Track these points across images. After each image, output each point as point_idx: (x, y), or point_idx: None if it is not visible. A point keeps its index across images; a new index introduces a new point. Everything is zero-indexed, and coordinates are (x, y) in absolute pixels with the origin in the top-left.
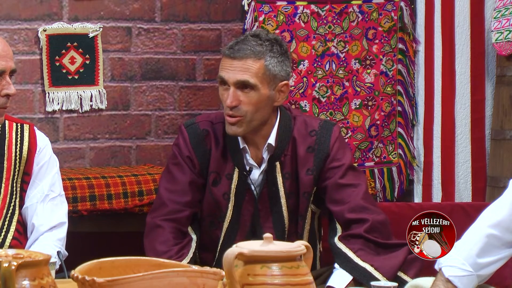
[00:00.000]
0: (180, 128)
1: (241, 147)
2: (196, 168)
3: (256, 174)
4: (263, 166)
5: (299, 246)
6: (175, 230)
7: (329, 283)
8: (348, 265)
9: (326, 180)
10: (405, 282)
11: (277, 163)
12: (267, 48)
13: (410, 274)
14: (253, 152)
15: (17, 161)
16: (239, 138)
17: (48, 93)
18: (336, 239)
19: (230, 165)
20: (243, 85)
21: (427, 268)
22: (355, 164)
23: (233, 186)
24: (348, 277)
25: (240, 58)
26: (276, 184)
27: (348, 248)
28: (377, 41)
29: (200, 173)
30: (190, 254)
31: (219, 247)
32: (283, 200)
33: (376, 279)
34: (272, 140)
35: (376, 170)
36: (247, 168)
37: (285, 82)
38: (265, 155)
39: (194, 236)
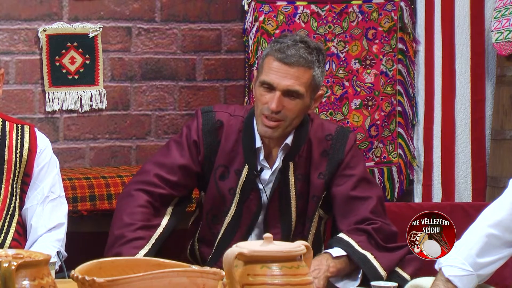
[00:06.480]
0: (196, 112)
1: (257, 146)
2: (200, 154)
3: (267, 175)
4: (276, 165)
5: (299, 246)
6: (146, 204)
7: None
8: (349, 250)
9: (336, 186)
10: (402, 277)
11: (291, 163)
12: (315, 58)
13: (408, 271)
14: (267, 152)
15: (18, 162)
16: (257, 137)
17: (48, 93)
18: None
19: (241, 161)
20: (291, 93)
21: (427, 268)
22: None
23: (240, 182)
24: (343, 252)
25: (293, 65)
26: (287, 185)
27: (351, 238)
28: (377, 41)
29: (202, 162)
30: (148, 246)
31: (217, 242)
32: (293, 201)
33: (374, 268)
34: (289, 140)
35: (376, 170)
36: (258, 167)
37: (321, 91)
38: (280, 154)
39: (165, 221)
